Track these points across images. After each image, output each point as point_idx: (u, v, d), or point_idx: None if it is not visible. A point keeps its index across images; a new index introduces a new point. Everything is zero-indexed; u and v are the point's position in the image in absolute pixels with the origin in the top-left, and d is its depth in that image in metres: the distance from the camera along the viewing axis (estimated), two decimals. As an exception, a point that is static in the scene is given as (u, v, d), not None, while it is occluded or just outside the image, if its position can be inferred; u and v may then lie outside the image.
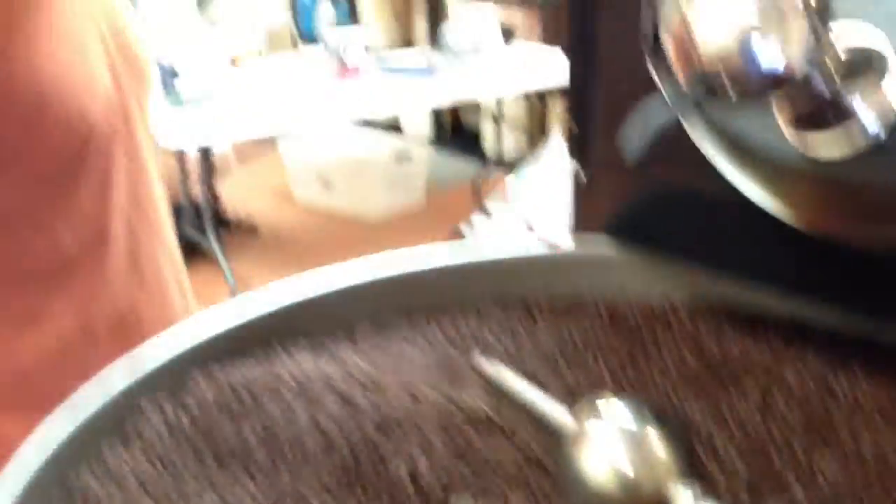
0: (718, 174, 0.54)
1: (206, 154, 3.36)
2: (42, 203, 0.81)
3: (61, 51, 0.79)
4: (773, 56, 0.40)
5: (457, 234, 1.38)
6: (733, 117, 0.48)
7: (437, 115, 5.15)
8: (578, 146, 0.77)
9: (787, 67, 0.40)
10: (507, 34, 3.92)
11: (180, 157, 3.34)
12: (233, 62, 3.40)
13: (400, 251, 0.65)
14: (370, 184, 4.19)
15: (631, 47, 0.66)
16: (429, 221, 4.16)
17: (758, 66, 0.40)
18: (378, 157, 4.24)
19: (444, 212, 4.29)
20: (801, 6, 0.41)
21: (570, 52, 0.76)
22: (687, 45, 0.43)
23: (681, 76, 0.45)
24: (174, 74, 3.09)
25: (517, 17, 4.44)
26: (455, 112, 5.22)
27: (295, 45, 5.83)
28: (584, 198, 0.79)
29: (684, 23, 0.43)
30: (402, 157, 4.26)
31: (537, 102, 4.48)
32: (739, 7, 0.41)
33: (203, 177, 3.38)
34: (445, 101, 4.13)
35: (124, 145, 0.87)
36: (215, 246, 3.36)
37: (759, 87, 0.40)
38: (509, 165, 4.64)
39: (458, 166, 4.86)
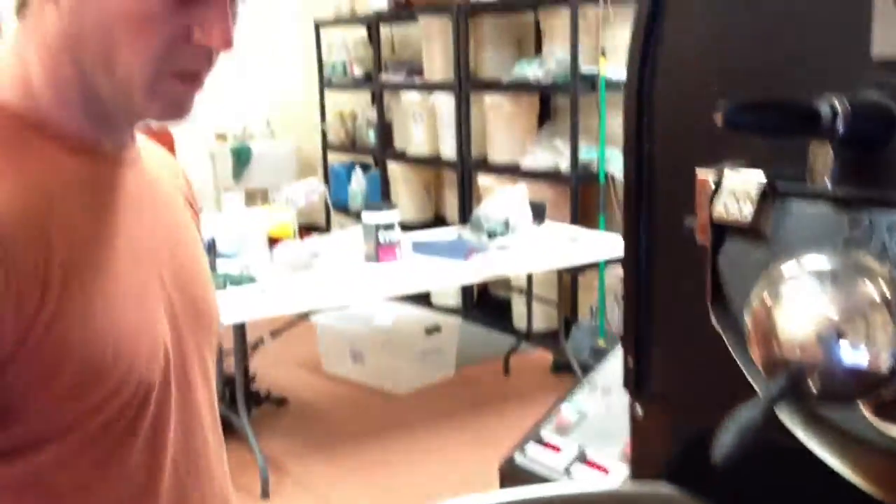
0: (788, 429, 0.54)
1: (241, 331, 3.37)
2: (92, 468, 0.76)
3: (119, 312, 0.75)
4: (856, 353, 0.40)
5: (509, 464, 1.36)
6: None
7: (466, 288, 5.20)
8: (635, 380, 0.77)
9: (871, 364, 0.40)
10: (538, 211, 3.99)
11: (214, 330, 3.34)
12: (270, 241, 3.46)
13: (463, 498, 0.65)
14: (400, 356, 4.18)
15: (688, 287, 0.67)
16: (458, 396, 4.12)
17: (841, 364, 0.40)
18: (408, 330, 4.26)
19: (473, 386, 4.26)
20: (880, 300, 0.41)
21: (627, 293, 0.78)
22: (768, 333, 0.43)
23: (758, 359, 0.45)
24: (215, 253, 3.15)
25: (547, 194, 4.53)
26: (484, 284, 5.26)
27: (328, 213, 5.98)
28: (641, 432, 0.78)
29: (767, 311, 0.43)
30: (432, 330, 4.28)
31: (567, 276, 4.51)
32: (821, 301, 0.42)
33: (237, 355, 3.37)
34: (477, 279, 4.18)
35: (180, 398, 0.82)
36: (247, 426, 3.31)
37: (844, 386, 0.40)
38: (538, 338, 4.64)
39: (488, 339, 4.86)
